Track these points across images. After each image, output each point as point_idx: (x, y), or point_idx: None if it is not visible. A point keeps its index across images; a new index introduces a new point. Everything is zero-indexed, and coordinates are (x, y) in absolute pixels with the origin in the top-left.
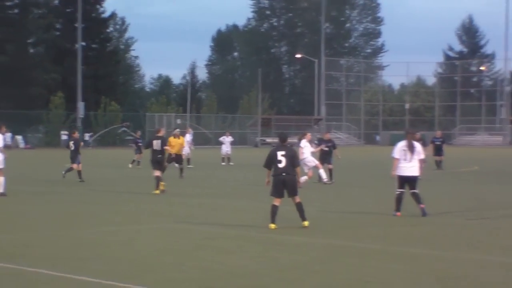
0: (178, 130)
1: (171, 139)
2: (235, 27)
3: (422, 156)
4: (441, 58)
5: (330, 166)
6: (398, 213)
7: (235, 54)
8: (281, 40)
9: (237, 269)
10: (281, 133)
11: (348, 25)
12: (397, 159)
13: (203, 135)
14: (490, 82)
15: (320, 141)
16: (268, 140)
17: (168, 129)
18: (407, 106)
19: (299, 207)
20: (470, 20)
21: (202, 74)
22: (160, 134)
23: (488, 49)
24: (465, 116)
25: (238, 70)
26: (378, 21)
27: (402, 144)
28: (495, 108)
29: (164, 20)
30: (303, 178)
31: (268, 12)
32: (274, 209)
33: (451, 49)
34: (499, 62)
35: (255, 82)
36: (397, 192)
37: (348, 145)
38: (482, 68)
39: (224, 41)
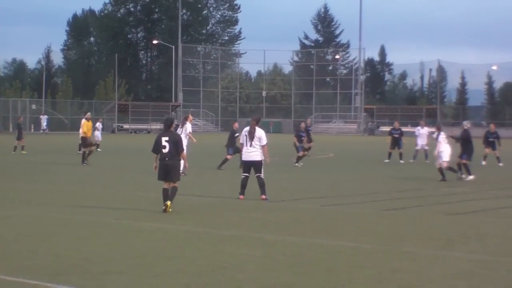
0: (89, 113)
1: (86, 122)
2: (91, 11)
3: (264, 142)
4: (297, 47)
5: (229, 157)
6: (241, 196)
7: (92, 39)
8: (138, 25)
9: (91, 255)
10: (166, 118)
11: (205, 11)
12: (241, 144)
13: (59, 120)
14: (345, 71)
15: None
16: (125, 126)
17: (22, 113)
18: (264, 93)
19: (172, 191)
20: (326, 9)
21: (57, 59)
22: None
23: (343, 39)
24: (320, 104)
25: (94, 55)
26: (235, 8)
27: (245, 130)
28: (350, 97)
29: (19, 3)
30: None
31: None
32: (165, 192)
33: (307, 37)
34: (354, 52)
35: (111, 68)
36: (242, 176)
37: (205, 132)
38: (337, 57)
39: (80, 25)
